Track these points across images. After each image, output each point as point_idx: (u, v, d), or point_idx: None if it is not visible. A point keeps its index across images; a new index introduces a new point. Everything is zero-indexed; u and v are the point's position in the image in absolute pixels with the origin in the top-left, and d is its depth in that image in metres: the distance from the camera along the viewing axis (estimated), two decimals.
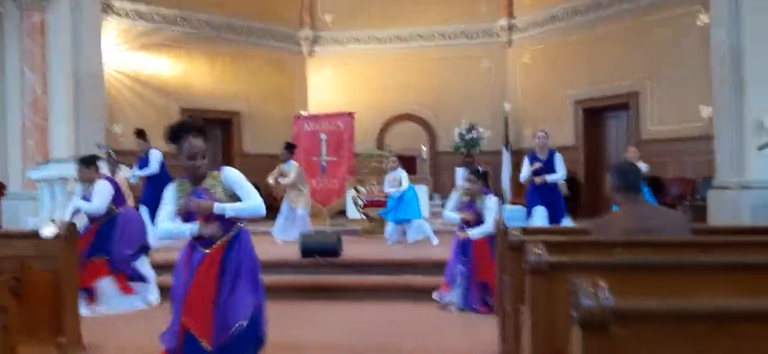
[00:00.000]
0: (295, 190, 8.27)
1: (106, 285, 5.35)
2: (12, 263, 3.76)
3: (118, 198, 5.55)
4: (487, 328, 4.41)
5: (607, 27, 11.12)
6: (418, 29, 13.31)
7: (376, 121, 13.10)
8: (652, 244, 2.74)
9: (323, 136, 9.83)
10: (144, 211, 6.70)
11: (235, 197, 2.94)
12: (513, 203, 10.57)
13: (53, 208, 7.52)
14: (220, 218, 2.87)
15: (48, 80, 8.99)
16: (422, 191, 9.11)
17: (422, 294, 5.61)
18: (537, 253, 2.45)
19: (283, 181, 8.25)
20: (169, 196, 2.97)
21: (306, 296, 5.82)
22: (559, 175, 6.88)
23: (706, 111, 9.29)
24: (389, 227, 8.04)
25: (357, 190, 9.27)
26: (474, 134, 12.09)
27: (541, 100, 12.22)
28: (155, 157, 7.20)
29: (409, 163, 9.98)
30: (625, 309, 1.48)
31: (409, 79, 13.14)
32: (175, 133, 2.90)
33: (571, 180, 9.73)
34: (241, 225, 3.01)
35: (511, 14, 12.92)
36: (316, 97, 13.39)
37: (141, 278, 5.56)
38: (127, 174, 7.48)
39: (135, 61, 11.31)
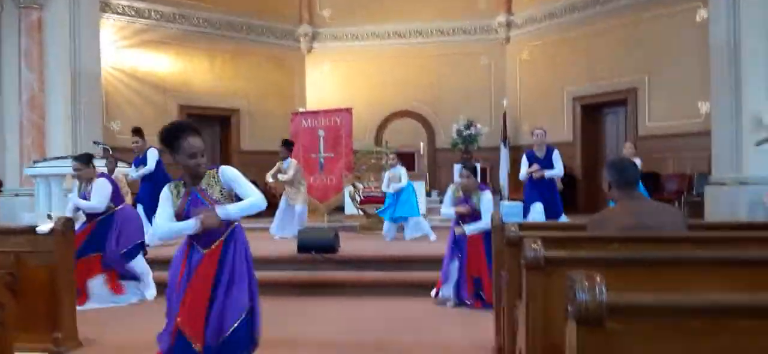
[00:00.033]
0: (293, 186, 8.27)
1: (97, 283, 5.34)
2: (8, 259, 3.76)
3: (116, 196, 5.54)
4: (484, 324, 4.40)
5: (606, 23, 11.12)
6: (417, 25, 13.30)
7: (374, 117, 13.10)
8: (648, 239, 2.73)
9: (321, 133, 9.81)
10: (139, 209, 6.69)
11: (233, 195, 2.93)
12: (511, 199, 10.58)
13: (50, 205, 7.51)
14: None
15: (45, 78, 8.97)
16: (419, 188, 9.10)
17: (420, 290, 5.60)
18: (534, 248, 2.45)
19: (282, 178, 8.25)
20: (165, 199, 2.93)
21: (303, 292, 5.82)
22: (557, 170, 6.88)
23: (704, 107, 9.30)
24: (386, 224, 8.04)
25: (355, 187, 9.27)
26: (472, 131, 12.10)
27: (540, 97, 12.22)
28: (152, 155, 7.19)
29: (407, 159, 9.98)
30: (620, 304, 1.47)
31: (407, 75, 13.14)
32: (173, 134, 2.86)
33: (568, 176, 9.73)
34: (237, 221, 3.00)
35: (509, 10, 12.93)
36: (315, 94, 13.39)
37: (134, 277, 5.55)
38: (125, 171, 7.46)
39: (133, 59, 11.29)
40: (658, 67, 10.30)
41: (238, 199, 2.94)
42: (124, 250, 5.43)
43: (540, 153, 6.94)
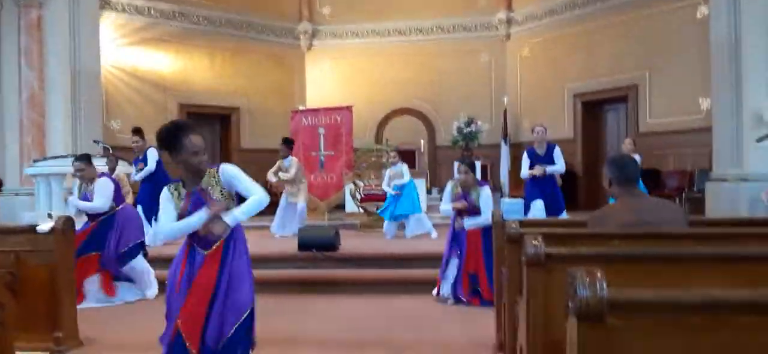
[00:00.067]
0: (295, 184, 8.27)
1: (91, 282, 5.34)
2: (8, 258, 3.76)
3: (117, 195, 5.54)
4: (484, 321, 4.40)
5: (606, 19, 11.10)
6: (417, 22, 13.28)
7: (374, 115, 13.10)
8: (649, 236, 2.73)
9: (321, 131, 9.81)
10: (139, 210, 6.69)
11: (234, 195, 2.92)
12: (511, 196, 10.57)
13: (50, 204, 7.51)
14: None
15: (45, 76, 8.96)
16: (420, 185, 9.09)
17: (420, 287, 5.60)
18: (534, 245, 2.45)
19: (284, 176, 8.24)
20: (167, 200, 2.89)
21: (304, 290, 5.82)
22: (558, 166, 6.88)
23: (705, 103, 9.29)
24: (387, 222, 8.03)
25: (355, 185, 9.27)
26: (473, 128, 12.09)
27: (540, 94, 12.21)
28: (152, 155, 7.17)
29: (408, 157, 9.97)
30: (621, 300, 1.47)
31: (407, 72, 13.12)
32: (173, 133, 2.82)
33: (569, 173, 9.72)
34: None
35: (509, 7, 12.91)
36: (315, 92, 13.38)
37: (127, 279, 5.54)
38: (127, 170, 7.46)
39: (133, 57, 11.28)
40: (659, 64, 10.29)
41: (239, 197, 2.93)
42: (125, 249, 5.43)
43: (541, 150, 6.94)
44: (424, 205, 8.87)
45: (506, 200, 10.27)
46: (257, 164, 9.25)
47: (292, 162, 8.28)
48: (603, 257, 2.26)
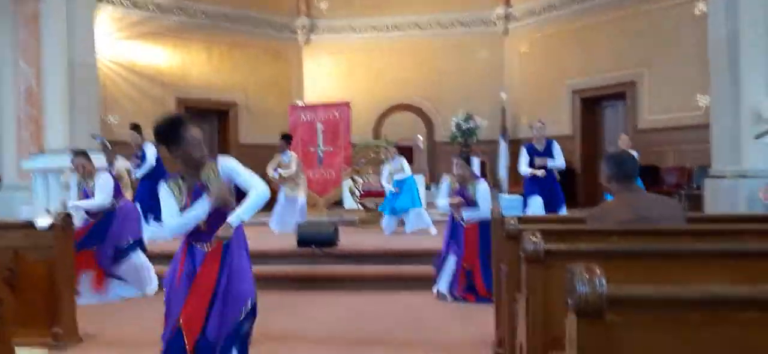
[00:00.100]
0: (294, 180, 8.26)
1: (86, 279, 5.32)
2: (6, 254, 3.75)
3: (116, 191, 5.54)
4: (484, 317, 4.41)
5: (605, 15, 11.09)
6: (415, 18, 13.25)
7: (372, 111, 13.08)
8: (648, 232, 2.74)
9: (320, 127, 9.81)
10: (138, 207, 6.67)
11: (233, 188, 2.91)
12: (510, 192, 10.58)
13: (48, 199, 7.49)
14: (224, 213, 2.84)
15: (42, 70, 8.92)
16: (419, 181, 9.10)
17: (419, 284, 5.61)
18: (533, 241, 2.45)
19: (284, 172, 8.24)
20: (167, 195, 2.86)
21: (302, 286, 5.82)
22: (558, 162, 6.89)
23: (703, 100, 9.29)
24: (386, 217, 8.04)
25: (354, 181, 9.26)
26: (471, 124, 12.08)
27: (539, 90, 12.21)
28: (151, 150, 7.15)
29: (406, 153, 9.96)
30: (620, 296, 1.48)
31: (405, 68, 13.10)
32: (173, 127, 2.80)
33: (568, 170, 9.73)
34: None
35: (508, 3, 12.88)
36: (313, 87, 13.35)
37: (119, 278, 5.52)
38: (127, 165, 7.44)
39: (130, 51, 11.24)
40: (658, 60, 10.29)
41: (238, 190, 2.93)
42: (122, 245, 5.42)
43: (539, 146, 6.95)
44: (424, 202, 8.88)
45: (505, 197, 10.27)
46: (256, 159, 9.23)
47: (292, 157, 8.28)
48: (602, 253, 2.27)
